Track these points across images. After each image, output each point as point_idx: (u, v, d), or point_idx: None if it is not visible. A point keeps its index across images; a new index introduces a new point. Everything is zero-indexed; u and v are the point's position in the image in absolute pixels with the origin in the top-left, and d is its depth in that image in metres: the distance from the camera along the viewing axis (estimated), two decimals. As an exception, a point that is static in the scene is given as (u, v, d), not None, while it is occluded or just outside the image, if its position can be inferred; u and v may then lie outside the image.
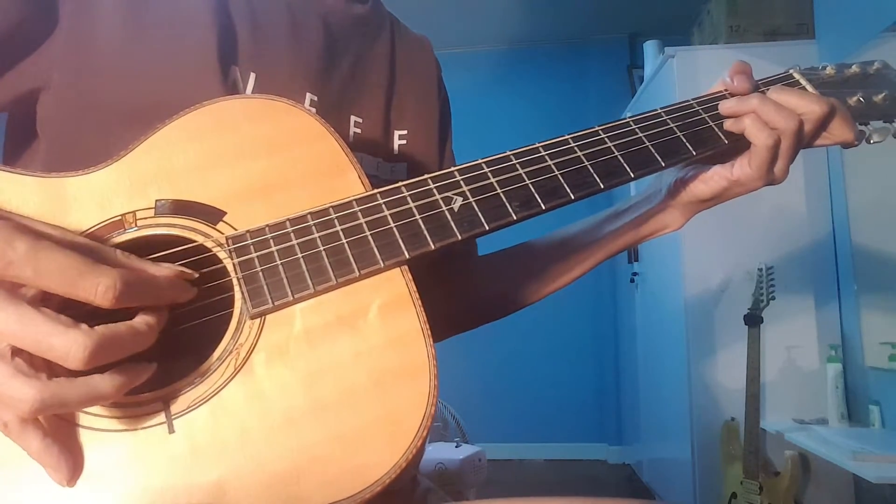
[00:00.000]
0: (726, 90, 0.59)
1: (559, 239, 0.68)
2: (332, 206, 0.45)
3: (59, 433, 0.36)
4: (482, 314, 0.72)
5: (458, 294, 0.70)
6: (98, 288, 0.33)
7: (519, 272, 0.68)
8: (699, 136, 0.56)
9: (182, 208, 0.44)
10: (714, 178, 0.59)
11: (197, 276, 0.42)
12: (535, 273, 0.67)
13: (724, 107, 0.57)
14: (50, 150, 0.53)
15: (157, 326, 0.38)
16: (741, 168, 0.57)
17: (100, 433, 0.37)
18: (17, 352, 0.33)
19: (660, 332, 2.69)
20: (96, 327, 0.33)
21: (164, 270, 0.40)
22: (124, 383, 0.35)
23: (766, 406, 2.14)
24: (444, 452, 1.84)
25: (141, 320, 0.37)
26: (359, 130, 0.64)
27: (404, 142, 0.68)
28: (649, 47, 2.97)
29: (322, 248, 0.43)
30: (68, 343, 0.32)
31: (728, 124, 0.57)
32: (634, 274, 3.03)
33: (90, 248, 0.37)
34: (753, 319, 2.04)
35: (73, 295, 0.33)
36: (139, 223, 0.43)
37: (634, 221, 0.64)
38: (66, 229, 0.40)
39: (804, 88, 0.60)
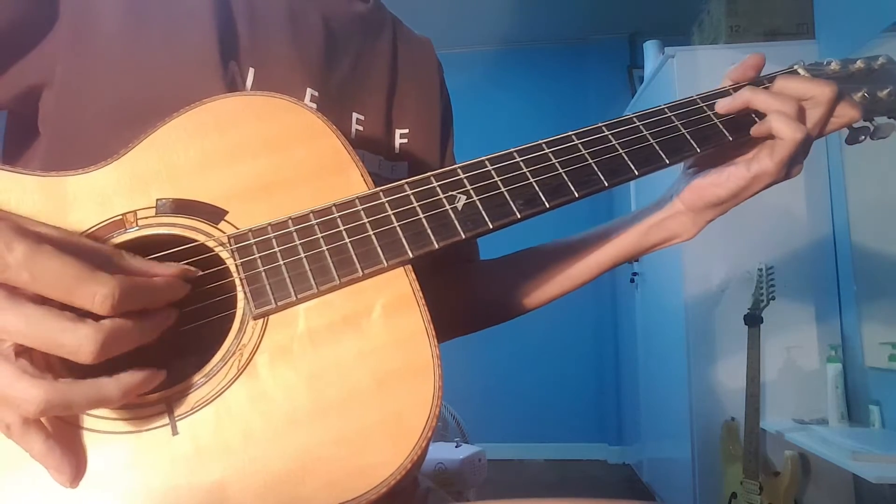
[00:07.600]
0: (731, 86, 0.59)
1: (564, 244, 0.67)
2: (335, 205, 0.45)
3: (61, 435, 0.36)
4: (484, 318, 0.72)
5: (460, 298, 0.70)
6: (95, 297, 0.33)
7: (521, 276, 0.67)
8: (703, 133, 0.55)
9: (183, 207, 0.44)
10: (731, 180, 0.57)
11: (199, 273, 0.41)
12: (538, 277, 0.66)
13: (721, 105, 0.57)
14: (50, 148, 0.52)
15: (161, 317, 0.38)
16: (760, 163, 0.55)
17: (103, 435, 0.37)
18: (21, 352, 0.33)
19: (660, 332, 2.69)
20: (102, 321, 0.33)
21: (168, 270, 0.39)
22: (132, 388, 0.35)
23: (766, 406, 2.14)
24: (444, 452, 1.83)
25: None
26: (361, 128, 0.63)
27: (405, 140, 0.68)
28: (649, 47, 2.97)
29: (325, 248, 0.43)
30: (78, 338, 0.32)
31: (755, 130, 0.55)
32: (634, 274, 3.02)
33: (92, 251, 0.37)
34: (753, 319, 2.04)
35: (70, 302, 0.33)
36: (140, 223, 0.43)
37: (642, 228, 0.62)
38: (68, 231, 0.39)
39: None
